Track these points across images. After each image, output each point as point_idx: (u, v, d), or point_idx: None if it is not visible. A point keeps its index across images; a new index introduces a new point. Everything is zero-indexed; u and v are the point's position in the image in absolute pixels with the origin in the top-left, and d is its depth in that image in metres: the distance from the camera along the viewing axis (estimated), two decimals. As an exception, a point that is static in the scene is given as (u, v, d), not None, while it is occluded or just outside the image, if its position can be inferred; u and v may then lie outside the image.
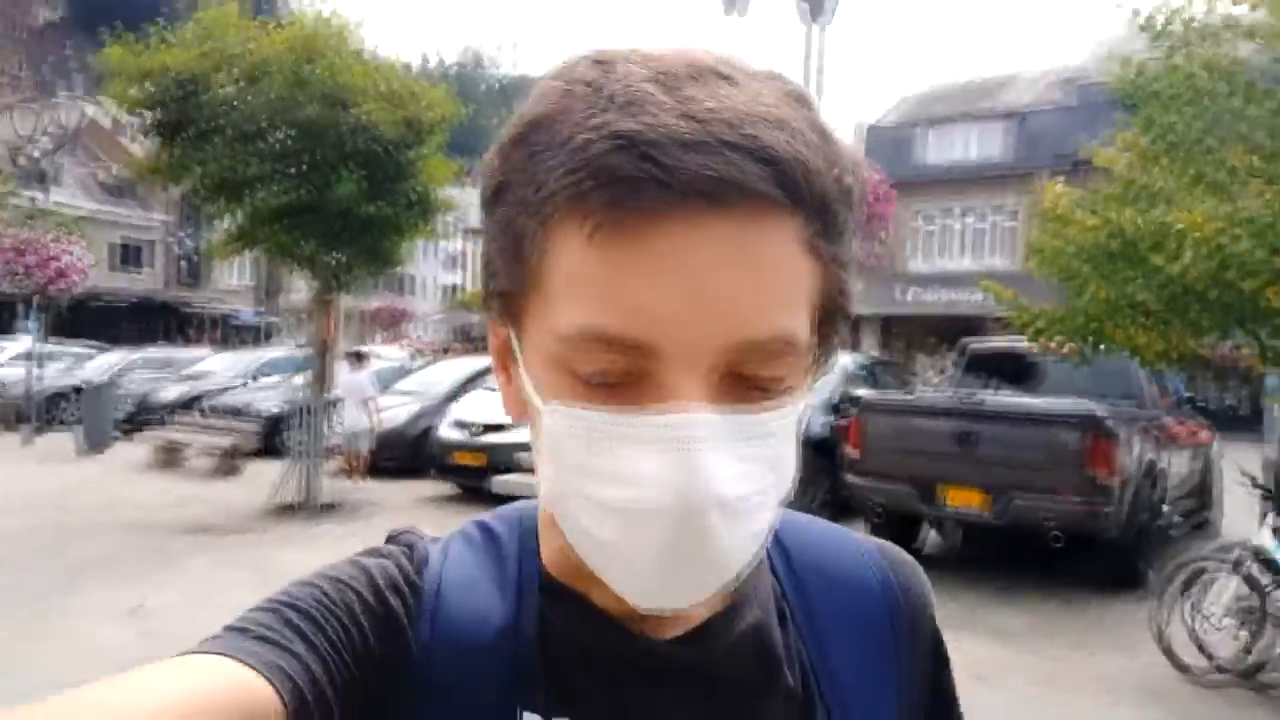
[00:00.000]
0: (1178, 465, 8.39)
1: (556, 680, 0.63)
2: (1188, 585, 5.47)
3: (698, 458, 0.53)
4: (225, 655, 0.54)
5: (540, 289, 0.56)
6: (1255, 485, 6.29)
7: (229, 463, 12.59)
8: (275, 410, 13.28)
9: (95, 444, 14.55)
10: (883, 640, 0.72)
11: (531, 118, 0.56)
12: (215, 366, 19.09)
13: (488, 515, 0.73)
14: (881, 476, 7.82)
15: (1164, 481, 7.82)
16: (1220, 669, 5.29)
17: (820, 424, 9.21)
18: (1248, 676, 5.23)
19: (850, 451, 8.12)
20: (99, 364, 19.22)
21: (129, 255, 38.49)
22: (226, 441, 12.90)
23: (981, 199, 27.66)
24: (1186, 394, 9.90)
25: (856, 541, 0.77)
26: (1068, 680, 5.43)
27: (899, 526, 7.93)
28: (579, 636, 0.64)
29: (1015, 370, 8.91)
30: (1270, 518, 5.54)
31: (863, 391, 9.44)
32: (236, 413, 14.45)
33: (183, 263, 40.92)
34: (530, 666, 0.63)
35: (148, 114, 9.57)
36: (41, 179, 18.04)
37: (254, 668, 0.54)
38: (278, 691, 0.53)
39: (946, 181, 27.72)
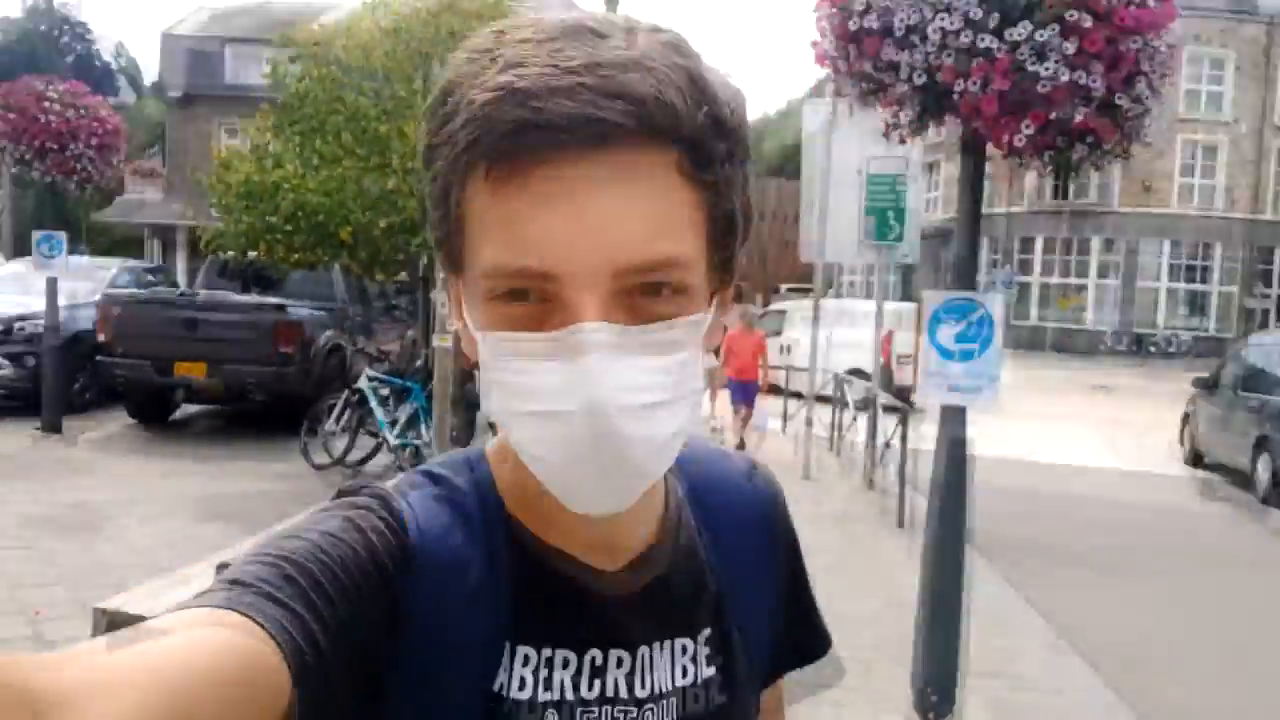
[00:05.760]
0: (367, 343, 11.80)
1: (538, 614, 0.70)
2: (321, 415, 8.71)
3: (596, 366, 0.58)
4: (230, 611, 0.53)
5: (465, 234, 0.63)
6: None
7: None
8: None
9: None
10: (761, 540, 0.85)
11: (444, 85, 0.63)
12: None
13: (431, 465, 0.76)
14: (126, 356, 9.82)
15: (345, 353, 10.98)
16: (336, 462, 8.60)
17: (89, 319, 10.79)
18: (348, 465, 8.62)
19: (101, 338, 9.97)
20: None
21: None
22: None
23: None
24: (393, 300, 13.41)
25: (733, 459, 0.89)
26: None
27: (144, 397, 10.11)
28: (549, 573, 0.71)
29: (258, 277, 11.50)
30: (368, 370, 8.96)
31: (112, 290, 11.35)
32: None
33: None
34: (512, 604, 0.69)
35: None
36: None
37: (259, 625, 0.53)
38: (282, 650, 0.53)
39: (247, 99, 28.77)
